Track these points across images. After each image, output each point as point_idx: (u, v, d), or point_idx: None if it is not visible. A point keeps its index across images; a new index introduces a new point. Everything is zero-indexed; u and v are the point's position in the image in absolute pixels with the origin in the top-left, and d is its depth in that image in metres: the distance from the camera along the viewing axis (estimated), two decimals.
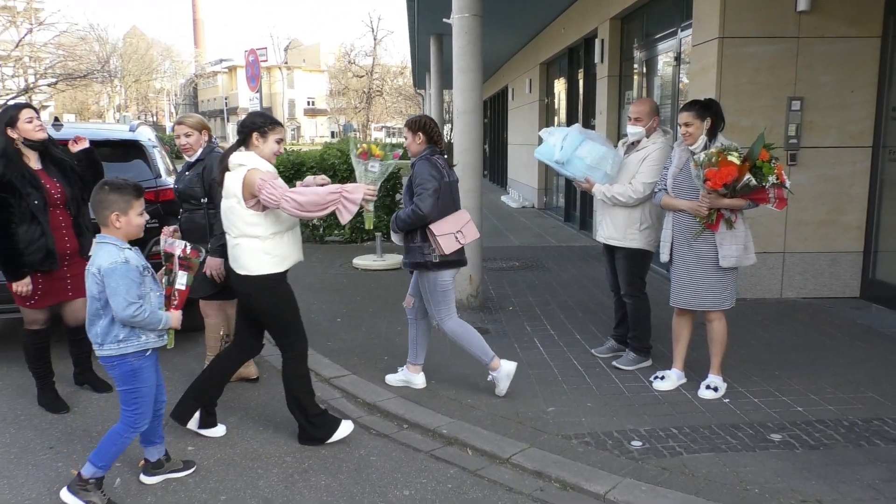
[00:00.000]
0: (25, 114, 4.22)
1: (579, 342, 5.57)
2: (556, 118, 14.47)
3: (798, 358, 5.12)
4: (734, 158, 4.00)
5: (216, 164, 4.42)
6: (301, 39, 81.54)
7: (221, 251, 4.36)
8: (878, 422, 4.02)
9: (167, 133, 31.56)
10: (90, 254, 3.22)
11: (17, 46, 25.46)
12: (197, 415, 3.98)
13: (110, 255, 3.13)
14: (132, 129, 5.98)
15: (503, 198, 18.15)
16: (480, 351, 4.43)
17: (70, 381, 4.75)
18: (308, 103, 79.83)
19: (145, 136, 5.96)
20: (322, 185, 3.81)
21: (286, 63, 69.83)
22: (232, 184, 3.63)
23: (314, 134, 76.49)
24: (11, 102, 5.48)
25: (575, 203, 12.63)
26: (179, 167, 4.89)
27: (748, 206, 4.20)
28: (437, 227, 4.26)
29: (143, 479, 3.51)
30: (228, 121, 54.50)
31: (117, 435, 3.28)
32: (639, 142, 4.81)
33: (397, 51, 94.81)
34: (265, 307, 3.80)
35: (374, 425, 4.19)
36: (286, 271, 3.79)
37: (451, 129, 24.36)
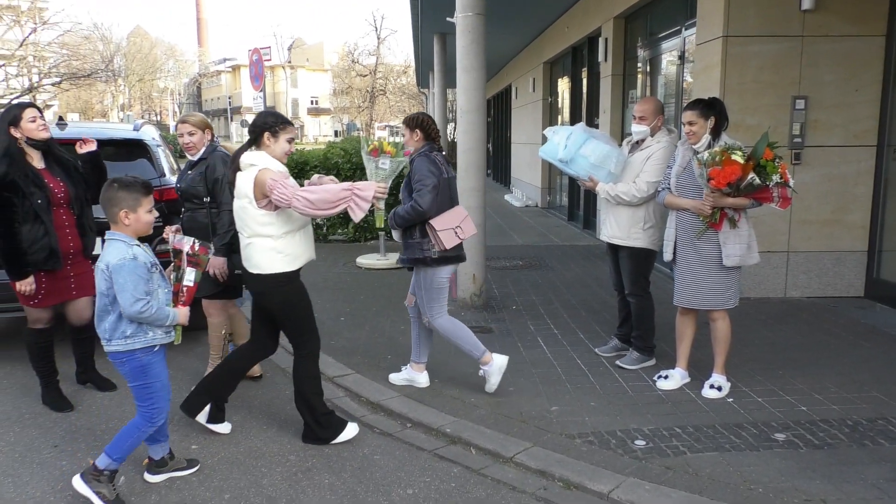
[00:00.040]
0: (29, 113, 4.23)
1: (583, 341, 5.57)
2: (559, 117, 14.46)
3: (802, 357, 5.11)
4: (738, 157, 3.99)
5: (219, 164, 4.45)
6: (304, 38, 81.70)
7: (224, 250, 4.37)
8: (883, 421, 4.01)
9: (171, 132, 31.58)
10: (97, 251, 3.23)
11: (21, 46, 25.51)
12: (206, 409, 4.00)
13: (119, 252, 3.15)
14: (136, 129, 5.99)
15: (506, 197, 18.14)
16: (472, 346, 4.44)
17: (74, 379, 4.76)
18: (311, 102, 79.85)
19: (149, 135, 5.97)
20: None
21: (290, 62, 69.97)
22: (243, 184, 3.64)
23: (317, 133, 76.49)
24: (15, 101, 5.48)
25: (578, 202, 12.62)
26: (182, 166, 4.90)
27: (752, 205, 4.20)
28: (437, 223, 4.27)
29: (147, 477, 3.51)
30: (232, 120, 54.54)
31: (135, 428, 3.32)
32: (643, 140, 4.80)
33: (401, 50, 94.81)
34: (278, 306, 3.81)
35: (377, 424, 4.19)
36: (299, 269, 3.80)
37: (455, 128, 24.38)
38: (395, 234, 4.49)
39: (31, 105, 4.35)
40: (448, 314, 4.49)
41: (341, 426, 3.96)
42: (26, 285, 4.16)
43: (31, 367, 4.47)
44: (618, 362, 4.98)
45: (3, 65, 25.18)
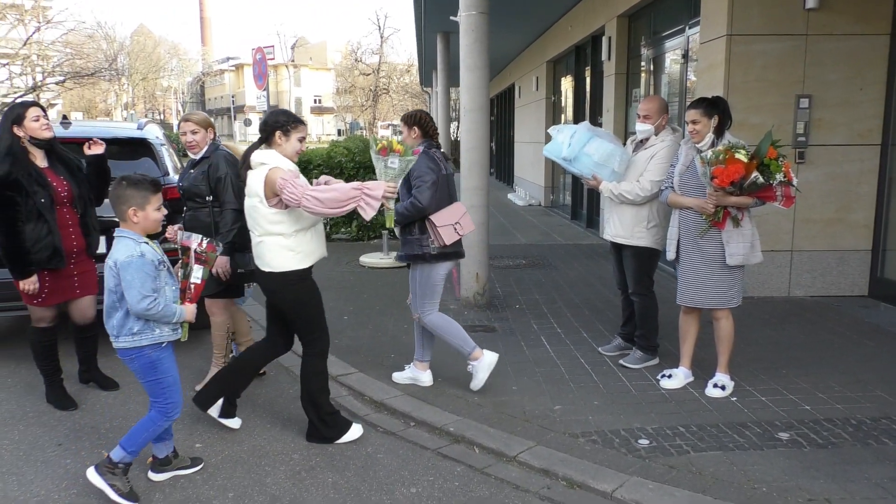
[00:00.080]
0: (32, 112, 4.23)
1: (586, 340, 5.56)
2: (562, 116, 14.44)
3: (806, 356, 5.10)
4: (741, 156, 3.99)
5: (222, 162, 4.45)
6: (308, 37, 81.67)
7: (227, 249, 4.37)
8: (887, 420, 4.00)
9: (174, 131, 31.61)
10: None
11: (25, 44, 25.52)
12: (219, 403, 4.02)
13: (127, 249, 3.17)
14: (140, 127, 6.00)
15: (510, 196, 18.13)
16: (462, 341, 4.45)
17: (77, 378, 4.76)
18: (315, 101, 79.84)
19: (153, 133, 5.98)
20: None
21: (293, 61, 69.92)
22: (254, 183, 3.64)
23: (321, 132, 76.50)
24: (19, 100, 5.48)
25: (582, 201, 12.61)
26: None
27: (755, 203, 4.19)
28: (436, 219, 4.29)
29: (151, 475, 3.52)
30: (235, 119, 54.54)
31: (150, 422, 3.34)
32: (647, 139, 4.80)
33: (404, 49, 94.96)
34: (290, 303, 3.83)
35: (381, 423, 4.19)
36: (311, 267, 3.81)
37: (458, 127, 24.35)
38: (396, 231, 4.51)
39: (35, 104, 4.35)
40: (448, 313, 4.49)
41: (346, 426, 3.97)
42: (30, 284, 4.17)
43: (35, 365, 4.48)
44: (621, 361, 4.98)
45: (7, 63, 25.20)
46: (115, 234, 3.26)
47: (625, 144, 4.98)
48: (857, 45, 6.43)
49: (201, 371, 4.89)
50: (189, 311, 3.34)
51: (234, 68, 78.36)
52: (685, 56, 7.92)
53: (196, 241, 3.37)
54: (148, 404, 3.39)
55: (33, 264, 4.17)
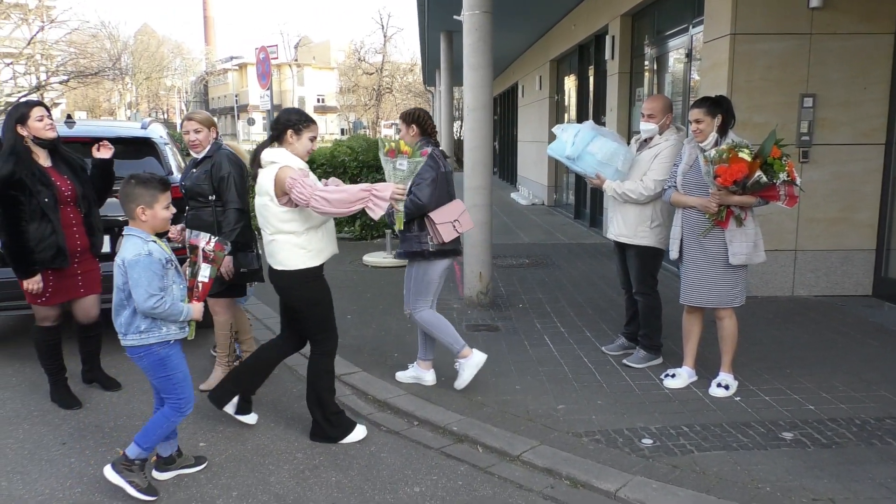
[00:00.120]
0: (36, 112, 4.23)
1: (590, 339, 5.56)
2: (566, 115, 14.43)
3: (809, 356, 5.10)
4: (745, 155, 3.98)
5: (225, 162, 4.45)
6: (311, 37, 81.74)
7: (230, 249, 4.37)
8: (891, 420, 3.99)
9: (178, 130, 31.61)
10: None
11: (28, 44, 25.55)
12: (234, 400, 4.04)
13: (134, 247, 3.19)
14: (144, 127, 6.01)
15: (513, 195, 18.11)
16: (452, 339, 4.46)
17: (80, 378, 4.77)
18: (318, 100, 79.86)
19: (157, 133, 5.99)
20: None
21: (296, 60, 69.99)
22: (265, 181, 3.65)
23: (324, 131, 76.51)
24: (23, 100, 5.49)
25: (585, 200, 12.60)
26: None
27: (758, 203, 4.19)
28: (436, 216, 4.30)
29: (155, 474, 3.52)
30: (238, 118, 54.56)
31: (164, 418, 3.36)
32: (651, 138, 4.79)
33: (407, 48, 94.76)
34: (301, 301, 3.84)
35: (384, 422, 4.20)
36: (322, 265, 3.83)
37: (461, 126, 24.33)
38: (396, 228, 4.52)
39: (39, 104, 4.35)
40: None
41: (351, 426, 3.97)
42: (33, 283, 4.18)
43: (40, 364, 4.49)
44: (625, 361, 4.98)
45: (11, 63, 25.26)
46: (123, 233, 3.28)
47: (629, 143, 4.97)
48: (861, 45, 6.42)
49: (205, 370, 4.89)
50: (196, 309, 3.35)
51: (237, 68, 78.40)
52: (689, 55, 7.91)
53: (204, 240, 3.38)
54: (152, 404, 3.40)
55: (37, 263, 4.18)
